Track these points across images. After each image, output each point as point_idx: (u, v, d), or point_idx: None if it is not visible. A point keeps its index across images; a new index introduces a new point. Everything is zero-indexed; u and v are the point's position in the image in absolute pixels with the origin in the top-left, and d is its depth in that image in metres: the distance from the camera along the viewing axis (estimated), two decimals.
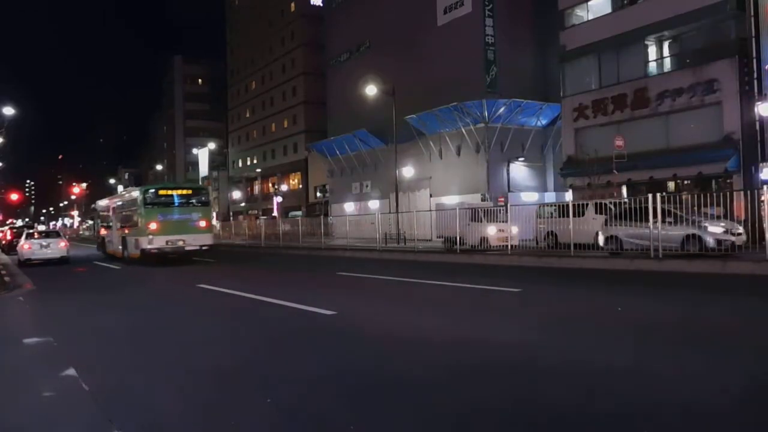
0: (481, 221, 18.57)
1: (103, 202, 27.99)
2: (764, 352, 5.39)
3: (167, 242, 19.14)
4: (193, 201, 20.66)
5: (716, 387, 4.31)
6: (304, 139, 51.33)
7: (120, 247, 21.88)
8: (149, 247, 18.99)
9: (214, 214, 67.78)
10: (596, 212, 16.45)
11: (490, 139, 28.03)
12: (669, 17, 21.47)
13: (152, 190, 20.50)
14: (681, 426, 3.60)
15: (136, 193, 21.15)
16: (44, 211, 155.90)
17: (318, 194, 45.21)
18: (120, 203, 23.72)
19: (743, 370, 4.73)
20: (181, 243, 19.43)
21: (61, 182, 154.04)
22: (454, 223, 18.97)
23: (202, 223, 20.34)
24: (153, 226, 19.10)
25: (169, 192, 20.66)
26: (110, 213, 24.82)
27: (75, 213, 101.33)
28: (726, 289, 10.10)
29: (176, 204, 20.19)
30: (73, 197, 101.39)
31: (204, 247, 20.12)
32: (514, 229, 17.89)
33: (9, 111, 28.57)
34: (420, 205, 29.52)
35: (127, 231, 21.36)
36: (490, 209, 19.45)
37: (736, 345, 5.70)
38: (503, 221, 17.94)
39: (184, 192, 20.96)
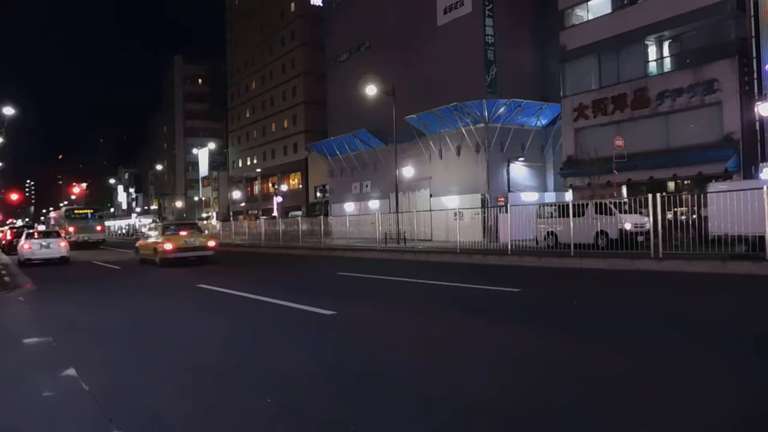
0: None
1: (51, 215, 50.19)
2: None
3: (78, 237, 34.59)
4: (95, 215, 38.88)
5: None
6: (304, 139, 51.34)
7: None
8: (69, 240, 31.10)
9: (214, 214, 68.23)
10: (596, 212, 16.60)
11: (490, 139, 28.01)
12: (669, 17, 21.48)
13: (71, 209, 40.20)
14: None
15: (63, 211, 40.75)
16: (44, 211, 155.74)
17: (318, 194, 45.20)
18: (59, 215, 41.51)
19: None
20: (86, 238, 35.61)
21: (60, 182, 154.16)
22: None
23: (99, 228, 38.08)
24: (71, 229, 34.96)
25: (81, 211, 39.52)
26: (54, 221, 42.52)
27: None
28: (725, 290, 10.11)
29: (84, 217, 37.85)
30: (73, 197, 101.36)
31: (100, 240, 37.44)
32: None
33: (9, 111, 28.59)
34: (420, 205, 29.53)
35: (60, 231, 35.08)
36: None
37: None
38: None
39: (89, 211, 39.61)
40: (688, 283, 11.23)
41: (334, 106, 43.93)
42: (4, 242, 34.06)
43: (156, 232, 20.08)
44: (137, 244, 22.17)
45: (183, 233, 19.23)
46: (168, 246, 18.17)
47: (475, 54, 29.41)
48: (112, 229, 78.06)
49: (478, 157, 28.55)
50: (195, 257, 18.65)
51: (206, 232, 25.64)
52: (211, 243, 19.57)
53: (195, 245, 18.68)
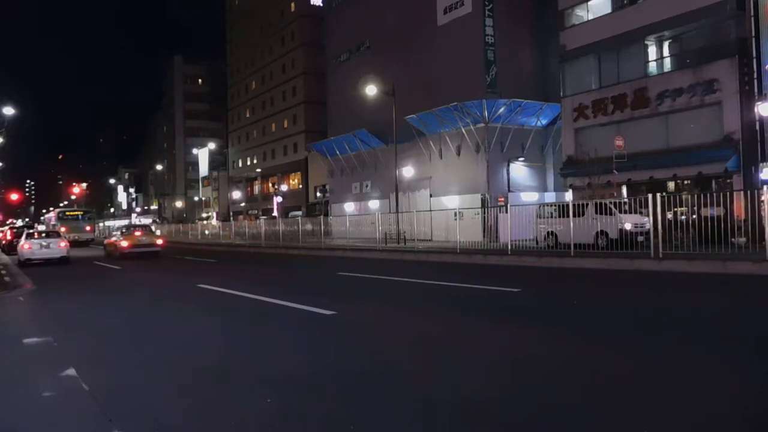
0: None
1: (48, 216, 52.77)
2: None
3: (69, 237, 33.05)
4: (85, 217, 43.04)
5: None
6: (304, 139, 51.34)
7: None
8: None
9: (214, 214, 68.24)
10: (596, 212, 16.65)
11: (490, 139, 28.00)
12: (669, 17, 21.45)
13: (63, 212, 44.91)
14: None
15: (56, 212, 45.18)
16: (44, 211, 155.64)
17: (318, 194, 45.21)
18: (53, 216, 45.09)
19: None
20: (76, 237, 37.64)
21: (60, 182, 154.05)
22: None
23: (88, 228, 42.07)
24: (63, 229, 35.24)
25: (72, 213, 44.29)
26: (49, 222, 45.79)
27: None
28: (725, 290, 10.11)
29: (74, 219, 41.94)
30: (73, 197, 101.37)
31: (89, 239, 40.89)
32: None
33: (9, 111, 28.60)
34: (420, 205, 29.53)
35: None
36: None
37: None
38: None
39: (79, 212, 44.38)
40: (688, 283, 11.24)
41: (334, 106, 43.91)
42: (4, 242, 34.07)
43: (118, 233, 25.51)
44: (105, 242, 27.50)
45: (137, 233, 24.51)
46: (125, 243, 23.27)
47: (475, 54, 29.40)
48: (111, 229, 78.28)
49: (478, 157, 28.54)
50: (147, 252, 23.35)
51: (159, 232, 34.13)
52: (159, 241, 24.88)
53: (146, 243, 23.87)
